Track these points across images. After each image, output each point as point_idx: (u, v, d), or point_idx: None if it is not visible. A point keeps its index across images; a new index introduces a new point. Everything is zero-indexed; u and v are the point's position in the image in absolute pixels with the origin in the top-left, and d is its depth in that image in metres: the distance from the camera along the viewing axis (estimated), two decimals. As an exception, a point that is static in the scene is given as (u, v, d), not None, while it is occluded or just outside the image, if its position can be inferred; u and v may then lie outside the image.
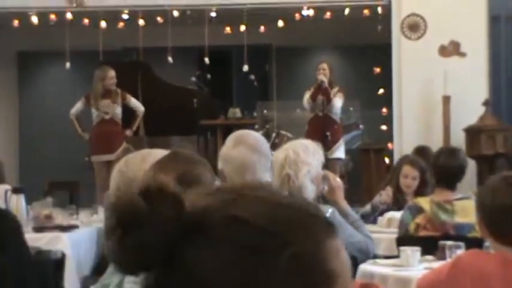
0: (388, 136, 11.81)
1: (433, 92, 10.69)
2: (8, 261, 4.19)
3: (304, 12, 11.91)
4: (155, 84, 12.39)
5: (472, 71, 10.76)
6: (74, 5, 11.31)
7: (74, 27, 12.11)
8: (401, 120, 10.94)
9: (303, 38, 13.92)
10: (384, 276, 4.39)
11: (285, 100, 14.05)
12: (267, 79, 14.86)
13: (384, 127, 12.74)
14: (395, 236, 5.23)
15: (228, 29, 12.76)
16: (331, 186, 4.27)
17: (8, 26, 12.53)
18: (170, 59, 12.07)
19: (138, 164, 2.63)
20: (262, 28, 13.06)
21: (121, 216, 0.98)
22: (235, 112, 12.28)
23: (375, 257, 4.70)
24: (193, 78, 12.72)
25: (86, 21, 12.41)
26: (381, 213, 6.35)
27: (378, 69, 12.37)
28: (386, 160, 12.13)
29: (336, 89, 10.10)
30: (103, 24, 12.10)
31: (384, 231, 5.88)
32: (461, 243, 4.46)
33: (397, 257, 4.69)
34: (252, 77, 12.90)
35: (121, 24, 12.40)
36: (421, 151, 7.24)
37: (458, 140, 10.06)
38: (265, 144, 3.56)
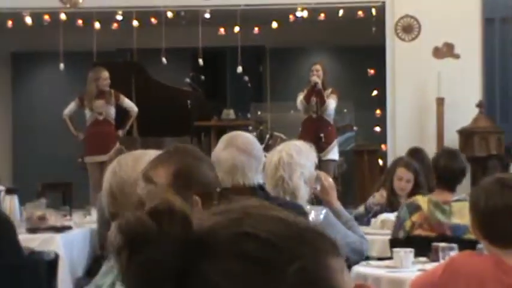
0: (382, 138, 11.82)
1: (426, 94, 10.70)
2: (1, 262, 4.19)
3: (298, 14, 11.90)
4: (149, 85, 12.35)
5: (465, 72, 10.77)
6: (68, 5, 11.29)
7: (67, 28, 12.09)
8: (395, 121, 10.96)
9: (297, 40, 13.91)
10: (378, 277, 4.40)
11: (279, 101, 14.05)
12: (260, 80, 14.86)
13: (377, 129, 12.75)
14: (389, 237, 5.24)
15: (222, 30, 12.74)
16: (323, 186, 4.29)
17: (2, 27, 12.50)
18: (164, 59, 12.06)
19: (132, 165, 2.62)
20: (256, 29, 13.05)
21: (130, 237, 0.99)
22: (229, 113, 12.25)
23: (368, 258, 4.70)
24: (187, 79, 12.69)
25: (80, 22, 12.39)
26: (375, 215, 6.35)
27: (371, 71, 12.36)
28: (380, 162, 12.13)
29: (329, 91, 10.08)
30: (97, 25, 12.08)
31: (377, 232, 5.88)
32: (455, 245, 4.47)
33: (390, 258, 4.70)
34: (246, 78, 12.88)
35: (115, 25, 12.37)
36: (415, 153, 7.23)
37: (452, 141, 10.08)
38: (256, 146, 3.56)
